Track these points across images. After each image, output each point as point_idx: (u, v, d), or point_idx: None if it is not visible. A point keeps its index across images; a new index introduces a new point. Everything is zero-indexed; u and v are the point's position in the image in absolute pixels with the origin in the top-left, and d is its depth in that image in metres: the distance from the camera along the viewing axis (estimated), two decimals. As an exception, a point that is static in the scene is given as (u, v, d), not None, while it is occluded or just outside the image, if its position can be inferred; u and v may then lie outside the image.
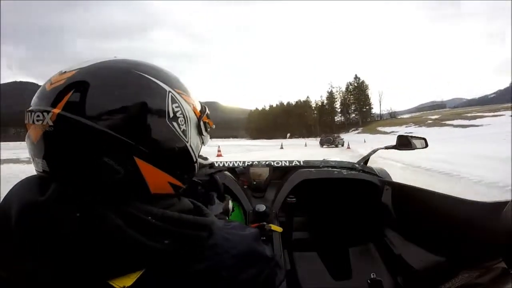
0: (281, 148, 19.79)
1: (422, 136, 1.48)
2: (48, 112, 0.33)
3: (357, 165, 1.48)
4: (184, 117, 0.40)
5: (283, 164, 1.59)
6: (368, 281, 1.09)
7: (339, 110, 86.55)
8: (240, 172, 1.50)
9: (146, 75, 0.37)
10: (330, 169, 1.39)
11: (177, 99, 0.39)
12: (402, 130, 43.48)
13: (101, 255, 0.31)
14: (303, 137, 68.31)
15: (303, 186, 1.27)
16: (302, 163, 1.57)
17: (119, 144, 0.34)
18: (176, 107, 0.39)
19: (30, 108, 0.35)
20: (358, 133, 57.45)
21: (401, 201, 1.17)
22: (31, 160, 0.37)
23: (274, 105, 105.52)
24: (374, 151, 1.56)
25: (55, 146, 0.34)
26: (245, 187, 1.43)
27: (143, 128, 0.35)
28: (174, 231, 0.34)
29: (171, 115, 0.38)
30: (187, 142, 0.40)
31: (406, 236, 1.11)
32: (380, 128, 54.32)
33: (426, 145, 1.44)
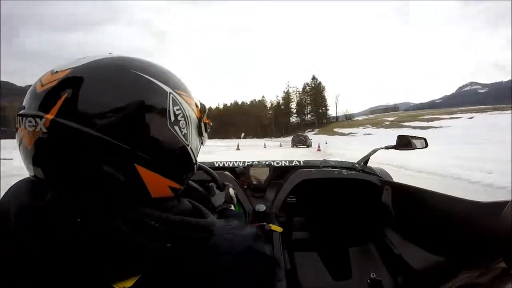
0: (238, 149, 17.79)
1: (422, 136, 1.47)
2: (40, 117, 0.31)
3: (357, 165, 1.48)
4: (185, 119, 0.38)
5: (283, 164, 1.59)
6: (368, 281, 1.09)
7: (295, 110, 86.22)
8: (240, 172, 1.50)
9: (144, 75, 0.35)
10: (330, 169, 1.39)
11: (178, 101, 0.37)
12: (360, 132, 44.14)
13: (103, 258, 0.30)
14: (258, 137, 68.03)
15: (303, 186, 1.27)
16: (302, 163, 1.57)
17: (119, 151, 0.32)
18: (177, 109, 0.37)
19: (21, 112, 0.33)
20: (314, 134, 56.32)
21: (401, 201, 1.17)
22: (25, 165, 0.36)
23: (229, 104, 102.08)
24: (374, 151, 1.55)
25: (50, 154, 0.32)
26: (245, 187, 1.43)
27: (143, 134, 0.34)
28: (177, 234, 0.34)
29: (173, 118, 0.36)
30: (188, 145, 0.39)
31: (406, 236, 1.10)
32: (337, 129, 54.40)
33: (426, 145, 1.44)
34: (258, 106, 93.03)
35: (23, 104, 0.34)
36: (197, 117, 0.42)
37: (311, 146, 22.85)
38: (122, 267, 0.31)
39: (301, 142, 23.66)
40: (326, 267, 1.40)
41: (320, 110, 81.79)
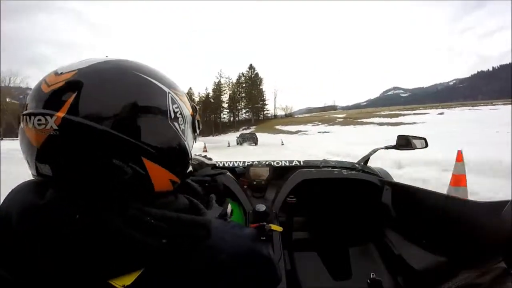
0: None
1: (422, 136, 1.47)
2: (51, 115, 0.32)
3: (357, 165, 1.48)
4: (182, 117, 0.41)
5: (283, 164, 1.59)
6: (368, 281, 1.08)
7: (227, 105, 73.94)
8: (240, 172, 1.50)
9: (146, 77, 0.38)
10: (330, 169, 1.39)
11: (176, 100, 0.41)
12: (312, 129, 37.92)
13: (102, 255, 0.31)
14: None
15: (303, 186, 1.27)
16: (302, 163, 1.57)
17: (127, 145, 0.34)
18: (176, 107, 0.40)
19: (29, 111, 0.34)
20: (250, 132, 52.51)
21: (401, 201, 1.17)
22: (28, 164, 0.37)
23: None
24: (374, 151, 1.55)
25: (61, 150, 0.33)
26: (245, 187, 1.43)
27: (149, 129, 0.36)
28: (173, 231, 0.34)
29: (172, 115, 0.39)
30: (185, 140, 0.42)
31: (406, 236, 1.10)
32: (279, 127, 47.17)
33: (426, 145, 1.43)
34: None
35: (27, 104, 0.36)
36: (190, 114, 0.45)
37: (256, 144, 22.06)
38: (118, 263, 0.31)
39: (252, 140, 22.90)
40: (326, 267, 1.40)
41: (257, 105, 71.60)
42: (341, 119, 42.66)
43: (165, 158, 0.38)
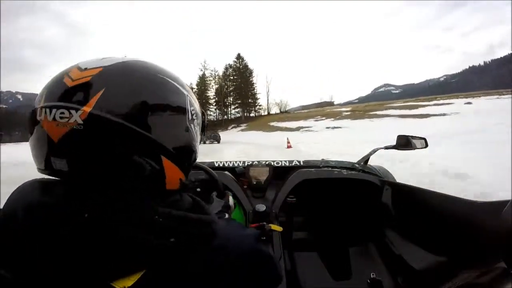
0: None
1: (422, 136, 1.47)
2: (77, 109, 0.32)
3: (357, 165, 1.48)
4: (197, 119, 0.44)
5: (283, 164, 1.59)
6: (368, 281, 1.09)
7: (213, 101, 62.99)
8: (240, 172, 1.50)
9: (170, 80, 0.40)
10: (330, 169, 1.39)
11: (192, 102, 0.43)
12: (316, 125, 30.81)
13: (106, 254, 0.31)
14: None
15: (303, 186, 1.27)
16: (302, 163, 1.57)
17: (149, 143, 0.35)
18: (192, 110, 0.42)
19: (49, 104, 0.33)
20: (241, 130, 42.44)
21: (401, 201, 1.17)
22: (35, 158, 0.36)
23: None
24: (374, 151, 1.56)
25: (82, 145, 0.33)
26: (245, 187, 1.43)
27: (170, 128, 0.38)
28: (180, 229, 0.34)
29: (190, 117, 0.41)
30: (197, 141, 0.44)
31: (406, 236, 1.11)
32: (275, 124, 39.05)
33: (426, 145, 1.44)
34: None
35: (43, 97, 0.35)
36: (201, 116, 0.47)
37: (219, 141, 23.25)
38: (122, 263, 0.31)
39: (215, 138, 25.12)
40: (326, 267, 1.40)
41: (248, 100, 61.17)
42: (348, 113, 35.16)
43: (180, 158, 0.39)
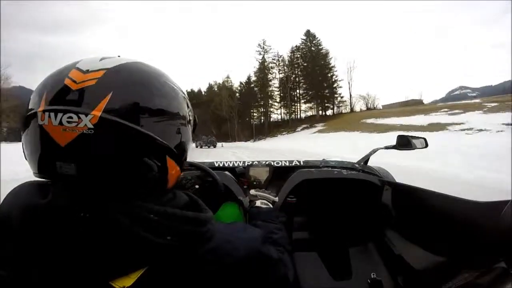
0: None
1: (422, 136, 1.45)
2: (86, 114, 0.32)
3: (357, 165, 1.48)
4: (192, 120, 0.47)
5: (283, 164, 1.59)
6: (368, 281, 1.09)
7: (278, 93, 46.97)
8: (240, 172, 1.49)
9: (169, 83, 0.42)
10: (330, 169, 1.39)
11: (188, 105, 0.45)
12: (472, 120, 16.04)
13: (106, 253, 0.31)
14: (212, 144, 28.18)
15: (303, 186, 1.27)
16: (302, 163, 1.57)
17: (157, 145, 0.36)
18: (189, 112, 0.45)
19: (53, 108, 0.32)
20: (318, 131, 29.51)
21: (401, 201, 1.17)
22: (32, 163, 0.35)
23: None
24: (374, 151, 1.55)
25: (93, 149, 0.33)
26: (245, 187, 1.43)
27: (174, 130, 0.40)
28: (176, 227, 0.34)
29: (188, 119, 0.44)
30: (191, 140, 0.47)
31: (406, 236, 1.10)
32: (373, 121, 24.73)
33: (426, 145, 1.43)
34: (213, 93, 56.65)
35: (44, 100, 0.33)
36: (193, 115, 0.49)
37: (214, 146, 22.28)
38: (121, 262, 0.31)
39: (211, 143, 24.95)
40: (326, 267, 1.40)
41: (322, 92, 42.05)
42: (496, 104, 19.31)
43: (180, 157, 0.42)
